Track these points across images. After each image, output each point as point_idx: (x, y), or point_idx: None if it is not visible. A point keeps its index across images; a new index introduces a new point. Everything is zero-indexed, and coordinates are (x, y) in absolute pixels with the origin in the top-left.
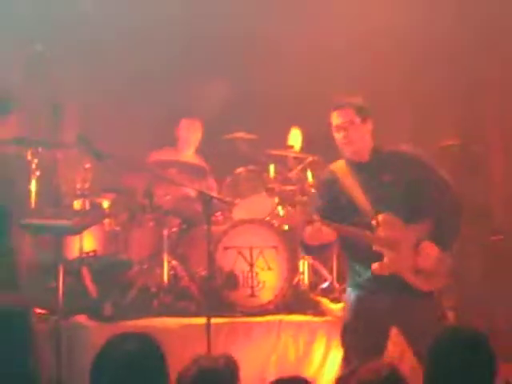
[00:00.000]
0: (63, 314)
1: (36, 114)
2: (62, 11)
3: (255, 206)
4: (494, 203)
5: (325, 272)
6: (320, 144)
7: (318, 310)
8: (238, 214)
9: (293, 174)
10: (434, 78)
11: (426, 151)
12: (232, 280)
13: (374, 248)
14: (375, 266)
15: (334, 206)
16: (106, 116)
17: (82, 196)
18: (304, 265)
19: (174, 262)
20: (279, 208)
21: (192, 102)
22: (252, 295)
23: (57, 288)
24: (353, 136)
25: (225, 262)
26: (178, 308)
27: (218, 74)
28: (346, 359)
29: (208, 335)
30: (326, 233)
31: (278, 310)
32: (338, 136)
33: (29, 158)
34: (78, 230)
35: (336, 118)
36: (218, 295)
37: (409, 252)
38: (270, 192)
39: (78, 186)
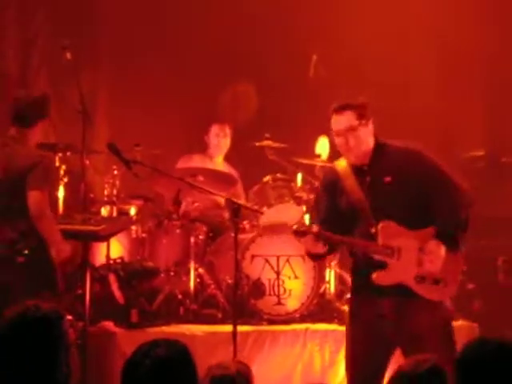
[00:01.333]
0: (90, 321)
1: (65, 121)
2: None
3: (282, 214)
4: None
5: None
6: None
7: (344, 319)
8: (265, 222)
9: None
10: (463, 87)
11: (450, 161)
12: (259, 288)
13: (375, 258)
14: (375, 275)
15: (336, 209)
16: (136, 122)
17: (110, 202)
18: (330, 274)
19: (200, 270)
20: (306, 216)
21: (222, 107)
22: (278, 303)
23: (83, 294)
24: (353, 142)
25: (251, 270)
26: (204, 315)
27: (247, 81)
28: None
29: (234, 343)
30: (321, 245)
31: (304, 319)
32: (338, 141)
33: (57, 163)
34: (105, 237)
35: (335, 123)
36: (245, 303)
37: (413, 259)
38: (298, 200)
39: (106, 192)
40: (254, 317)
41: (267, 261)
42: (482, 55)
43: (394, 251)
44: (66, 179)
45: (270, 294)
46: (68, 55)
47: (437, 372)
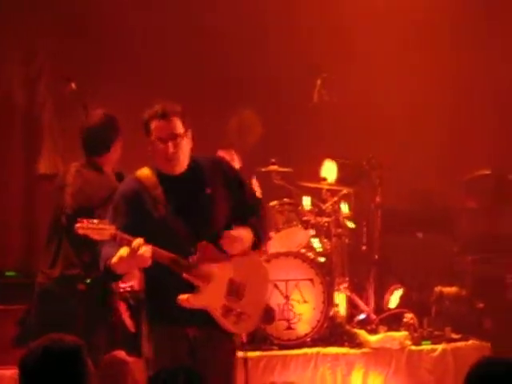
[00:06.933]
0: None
1: (73, 151)
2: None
3: (290, 238)
4: None
5: (361, 304)
6: (354, 176)
7: (355, 342)
8: (273, 247)
9: (327, 206)
10: (468, 107)
11: (455, 181)
12: (268, 313)
13: (185, 277)
14: (184, 297)
15: (139, 224)
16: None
17: None
18: (340, 297)
19: None
20: (314, 240)
21: (228, 133)
22: (288, 328)
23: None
24: (176, 149)
25: None
26: None
27: (253, 107)
28: None
29: (245, 369)
30: (141, 260)
31: (314, 343)
32: (160, 148)
33: None
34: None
35: (159, 129)
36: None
37: (223, 288)
38: (306, 224)
39: None
40: (264, 342)
41: (276, 286)
42: (489, 77)
43: (207, 276)
44: None
45: (279, 319)
46: (73, 85)
47: None
